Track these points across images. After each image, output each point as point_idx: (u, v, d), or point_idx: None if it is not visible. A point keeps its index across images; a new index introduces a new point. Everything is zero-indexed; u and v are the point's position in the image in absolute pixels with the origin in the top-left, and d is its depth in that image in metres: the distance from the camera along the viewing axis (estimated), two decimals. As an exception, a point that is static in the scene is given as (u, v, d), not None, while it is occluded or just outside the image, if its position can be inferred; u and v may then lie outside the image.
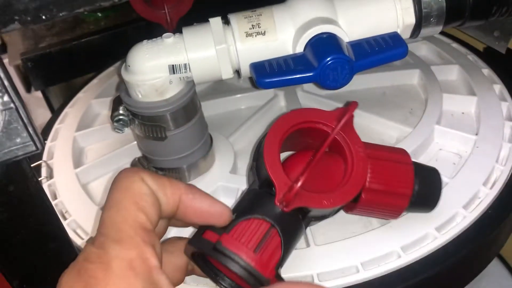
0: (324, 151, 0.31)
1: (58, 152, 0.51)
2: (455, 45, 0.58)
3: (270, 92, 0.53)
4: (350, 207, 0.36)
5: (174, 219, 0.30)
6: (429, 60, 0.57)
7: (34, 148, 0.26)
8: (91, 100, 0.57)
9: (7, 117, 0.25)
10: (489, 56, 0.56)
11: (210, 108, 0.52)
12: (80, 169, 0.48)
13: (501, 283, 0.86)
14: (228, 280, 0.31)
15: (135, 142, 0.47)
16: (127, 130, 0.40)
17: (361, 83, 0.53)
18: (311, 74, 0.34)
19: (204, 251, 0.28)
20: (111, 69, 0.64)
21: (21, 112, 0.25)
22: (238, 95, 0.54)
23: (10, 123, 0.26)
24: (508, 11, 0.39)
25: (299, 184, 0.29)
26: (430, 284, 0.36)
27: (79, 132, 0.53)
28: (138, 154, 0.44)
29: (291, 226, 0.31)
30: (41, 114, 0.90)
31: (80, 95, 0.60)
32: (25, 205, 0.29)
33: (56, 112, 0.59)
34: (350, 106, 0.31)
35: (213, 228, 0.29)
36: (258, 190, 0.32)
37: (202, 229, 0.30)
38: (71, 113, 0.57)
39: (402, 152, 0.35)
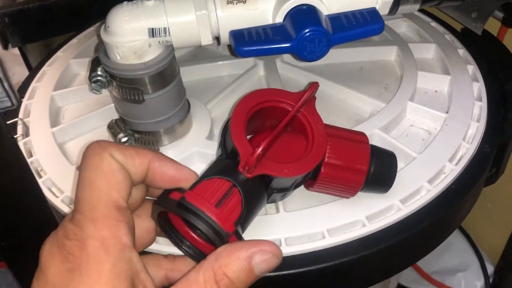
0: (285, 124, 0.32)
1: (34, 111, 0.51)
2: (434, 24, 0.59)
3: (250, 61, 0.53)
4: (310, 183, 0.37)
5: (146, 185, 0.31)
6: (408, 38, 0.58)
7: (9, 104, 0.27)
8: (70, 60, 0.57)
9: (-17, 71, 0.25)
10: (465, 37, 0.57)
11: (189, 74, 0.52)
12: (57, 128, 0.48)
13: (462, 257, 0.90)
14: (187, 243, 0.32)
15: (113, 104, 0.47)
16: (105, 92, 0.40)
17: (339, 57, 0.54)
18: (288, 45, 0.34)
19: (169, 208, 0.30)
20: (91, 29, 0.63)
21: (-3, 67, 0.25)
22: (218, 63, 0.54)
23: (-14, 78, 0.26)
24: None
25: (260, 149, 0.30)
26: (392, 252, 0.38)
27: (57, 91, 0.52)
28: (115, 116, 0.45)
29: (253, 191, 0.32)
30: (18, 72, 0.88)
31: (59, 54, 0.60)
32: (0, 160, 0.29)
33: (33, 70, 0.58)
34: (310, 87, 0.33)
35: (179, 189, 0.31)
36: (224, 160, 0.34)
37: (168, 191, 0.31)
38: (49, 72, 0.56)
39: (361, 133, 0.37)
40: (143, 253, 0.32)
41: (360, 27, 0.35)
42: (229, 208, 0.30)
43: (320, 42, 0.34)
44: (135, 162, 0.29)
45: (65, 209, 0.41)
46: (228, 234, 0.29)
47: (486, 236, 0.91)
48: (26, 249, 0.34)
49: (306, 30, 0.34)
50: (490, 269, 0.88)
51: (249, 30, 0.36)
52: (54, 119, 0.50)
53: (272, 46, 0.35)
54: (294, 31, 0.34)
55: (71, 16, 0.66)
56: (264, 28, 0.36)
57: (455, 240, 0.92)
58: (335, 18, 0.36)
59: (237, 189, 0.31)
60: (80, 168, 0.28)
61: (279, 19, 0.36)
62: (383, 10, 0.39)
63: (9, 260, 0.35)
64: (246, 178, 0.31)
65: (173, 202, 0.30)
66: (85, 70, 0.57)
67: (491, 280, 0.87)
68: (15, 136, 0.47)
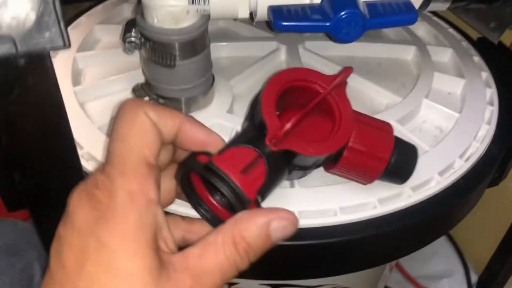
0: (315, 105, 0.33)
1: (57, 69, 0.51)
2: (451, 30, 0.61)
3: (273, 44, 0.55)
4: (331, 166, 0.38)
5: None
6: (426, 40, 0.60)
7: (61, 43, 0.27)
8: (94, 25, 0.58)
9: (41, 8, 0.26)
10: (481, 46, 0.59)
11: (215, 51, 0.53)
12: (79, 88, 0.48)
13: (448, 264, 0.92)
14: (206, 207, 0.33)
15: (133, 71, 0.48)
16: (125, 59, 0.41)
17: (360, 51, 0.55)
18: (326, 24, 0.36)
19: (196, 170, 0.31)
20: (115, -1, 0.64)
21: (56, 5, 0.26)
22: (243, 42, 0.55)
23: (43, 16, 0.27)
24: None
25: (289, 125, 0.31)
26: (398, 235, 0.40)
27: (80, 53, 0.53)
28: (137, 82, 0.45)
29: (276, 164, 0.33)
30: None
31: (82, 18, 0.60)
32: (40, 101, 0.30)
33: (56, 32, 0.59)
34: (344, 71, 0.34)
35: (207, 153, 0.31)
36: (251, 131, 0.35)
37: (195, 154, 0.32)
38: (73, 34, 0.57)
39: (386, 123, 0.38)
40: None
41: (394, 15, 0.37)
42: (253, 177, 0.31)
43: (356, 24, 0.36)
44: (167, 122, 0.30)
45: (85, 164, 0.42)
46: (250, 201, 0.30)
47: (473, 246, 0.93)
48: (51, 197, 0.34)
49: (344, 12, 0.35)
50: (474, 278, 0.90)
51: (288, 7, 0.37)
52: (76, 80, 0.51)
53: (310, 24, 0.36)
54: (332, 11, 0.36)
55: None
56: (303, 6, 0.37)
57: (442, 247, 0.94)
58: (372, 4, 0.37)
59: (263, 160, 0.32)
60: (114, 122, 0.29)
61: (317, 0, 0.37)
62: (416, 3, 0.40)
63: (36, 211, 0.36)
64: (271, 151, 0.32)
65: (200, 164, 0.31)
66: (107, 36, 0.57)
67: (474, 289, 0.89)
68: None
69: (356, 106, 0.49)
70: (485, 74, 0.54)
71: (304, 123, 0.35)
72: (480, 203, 0.85)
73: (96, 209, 0.26)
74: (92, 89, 0.49)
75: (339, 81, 0.34)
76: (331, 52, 0.55)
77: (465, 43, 0.59)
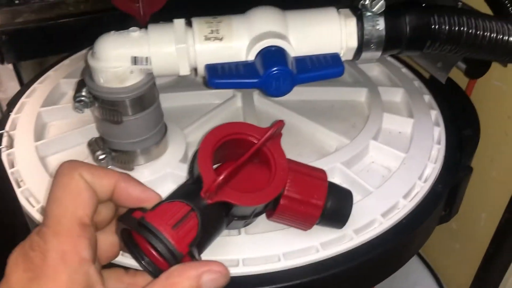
0: (248, 157, 0.35)
1: (21, 124, 0.54)
2: (404, 70, 0.63)
3: (229, 92, 0.57)
4: (270, 213, 0.40)
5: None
6: (379, 81, 0.62)
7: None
8: (60, 79, 0.60)
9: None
10: (432, 84, 0.61)
11: (171, 100, 0.56)
12: (40, 143, 0.50)
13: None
14: (147, 259, 0.34)
15: (91, 125, 0.50)
16: (87, 112, 0.43)
17: (313, 94, 0.58)
18: (256, 80, 0.38)
19: (129, 226, 0.32)
20: (83, 51, 0.67)
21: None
22: (199, 91, 0.57)
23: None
24: (440, 46, 0.44)
25: (221, 177, 0.33)
26: (342, 278, 0.41)
27: (44, 108, 0.55)
28: (96, 134, 0.47)
29: (212, 217, 0.34)
30: (12, 87, 0.91)
31: (50, 73, 0.63)
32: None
33: (24, 86, 0.61)
34: (275, 124, 0.36)
35: (142, 209, 0.33)
36: (189, 184, 0.36)
37: (132, 210, 0.33)
38: (39, 89, 0.59)
39: (321, 171, 0.40)
40: (108, 266, 0.34)
41: (322, 69, 0.39)
42: (185, 230, 0.32)
43: (284, 80, 0.38)
44: (102, 182, 0.32)
45: (40, 218, 0.43)
46: (182, 255, 0.32)
47: (454, 275, 0.93)
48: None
49: (272, 69, 0.37)
50: (455, 309, 0.90)
51: (222, 65, 0.39)
52: (39, 134, 0.53)
53: (241, 81, 0.38)
54: (262, 68, 0.38)
55: (66, 38, 0.70)
56: (237, 64, 0.39)
57: (423, 278, 0.94)
58: (300, 60, 0.40)
59: (195, 214, 0.33)
60: (51, 185, 0.31)
61: (251, 57, 0.40)
62: (348, 56, 0.42)
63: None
64: (207, 204, 0.34)
65: (134, 220, 0.32)
66: (73, 90, 0.60)
67: (456, 320, 0.89)
68: (-1, 147, 0.50)
69: (306, 149, 0.52)
70: (435, 113, 0.56)
71: (242, 174, 0.37)
72: (459, 235, 0.86)
73: (29, 270, 0.28)
74: (52, 143, 0.51)
75: (270, 134, 0.36)
76: (285, 97, 0.57)
77: (417, 82, 0.61)
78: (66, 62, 0.65)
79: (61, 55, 0.67)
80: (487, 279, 0.81)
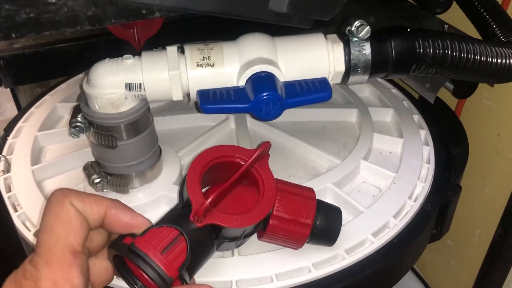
0: (236, 179, 0.36)
1: (18, 149, 0.55)
2: (394, 90, 0.65)
3: (222, 115, 0.58)
4: (261, 233, 0.41)
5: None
6: (370, 102, 0.63)
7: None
8: (57, 103, 0.61)
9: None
10: (421, 104, 0.62)
11: (165, 123, 0.57)
12: (37, 167, 0.51)
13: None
14: (139, 283, 0.35)
15: (87, 149, 0.51)
16: (83, 136, 0.44)
17: (305, 115, 0.59)
18: (246, 105, 0.39)
19: (120, 252, 0.33)
20: (80, 76, 0.68)
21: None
22: (193, 114, 0.58)
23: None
24: (426, 69, 0.45)
25: (208, 201, 0.33)
26: (334, 298, 0.42)
27: (41, 132, 0.56)
28: (92, 158, 0.48)
29: (201, 240, 0.35)
30: (9, 108, 0.92)
31: (47, 97, 0.64)
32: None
33: (22, 111, 0.62)
34: (262, 145, 0.37)
35: (132, 234, 0.34)
36: (179, 209, 0.37)
37: (122, 236, 0.34)
38: (36, 113, 0.61)
39: (309, 189, 0.41)
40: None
41: (310, 94, 0.40)
42: (174, 255, 0.33)
43: (274, 105, 0.39)
44: (93, 210, 0.32)
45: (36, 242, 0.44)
46: (172, 279, 0.32)
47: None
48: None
49: (262, 94, 0.39)
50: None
51: (214, 90, 0.40)
52: (36, 158, 0.54)
53: (232, 106, 0.39)
54: (252, 94, 0.39)
55: (63, 62, 0.72)
56: (228, 89, 0.40)
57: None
58: (289, 85, 0.41)
59: (184, 238, 0.34)
60: (43, 214, 0.32)
61: (242, 82, 0.41)
62: (336, 79, 0.44)
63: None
64: (196, 227, 0.34)
65: (125, 246, 0.33)
66: (69, 114, 0.61)
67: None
68: (-4, 172, 0.50)
69: (298, 169, 0.53)
70: (424, 132, 0.57)
71: (231, 196, 0.38)
72: (454, 252, 0.87)
73: None
74: (48, 167, 0.52)
75: (257, 155, 0.37)
76: (277, 119, 0.58)
77: (406, 103, 0.63)
78: (63, 86, 0.66)
79: (59, 79, 0.69)
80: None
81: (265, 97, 0.39)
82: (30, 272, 0.29)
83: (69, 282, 0.29)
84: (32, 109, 0.62)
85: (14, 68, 0.69)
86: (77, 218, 0.31)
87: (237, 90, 0.40)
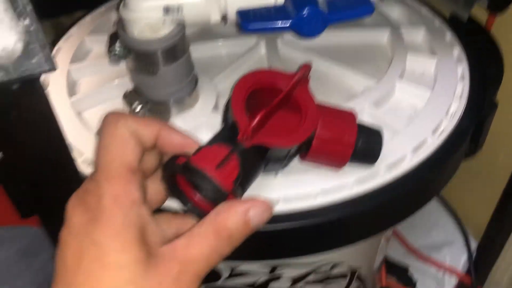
0: (278, 102, 0.36)
1: (52, 83, 0.55)
2: (424, 10, 0.63)
3: (252, 40, 0.57)
4: (304, 155, 0.41)
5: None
6: (400, 22, 0.62)
7: (48, 67, 0.31)
8: (84, 37, 0.61)
9: (27, 38, 0.30)
10: (453, 23, 0.61)
11: (197, 51, 0.56)
12: (75, 98, 0.52)
13: (448, 233, 0.96)
14: (192, 203, 0.36)
15: (125, 77, 0.51)
16: (115, 68, 0.44)
17: (336, 38, 0.58)
18: (289, 22, 0.39)
19: (175, 170, 0.34)
20: (102, 8, 0.67)
21: (39, 35, 0.30)
22: (223, 41, 0.58)
23: (29, 45, 0.30)
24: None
25: (255, 121, 0.34)
26: (377, 212, 0.43)
27: (73, 64, 0.57)
28: (128, 88, 0.49)
29: (251, 158, 0.36)
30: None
31: (72, 31, 0.63)
32: (35, 118, 0.34)
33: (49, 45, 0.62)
34: (302, 68, 0.37)
35: (184, 155, 0.35)
36: (225, 131, 0.38)
37: (175, 156, 0.35)
38: (64, 47, 0.60)
39: (350, 111, 0.41)
40: (156, 211, 0.36)
41: (352, 9, 0.39)
42: (228, 170, 0.34)
43: (317, 21, 0.39)
44: (145, 131, 0.33)
45: (86, 168, 0.45)
46: (227, 193, 0.33)
47: (472, 215, 0.96)
48: (54, 203, 0.38)
49: (304, 10, 0.38)
50: (474, 244, 0.93)
51: (254, 10, 0.40)
52: (71, 91, 0.55)
53: (274, 23, 0.39)
54: (294, 10, 0.39)
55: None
56: (268, 8, 0.40)
57: (442, 218, 0.97)
58: (330, 1, 0.40)
59: (235, 155, 0.35)
60: (99, 135, 0.33)
61: (281, 0, 0.40)
62: (375, -6, 0.43)
63: (44, 216, 0.40)
64: (244, 147, 0.35)
65: (179, 165, 0.34)
66: (98, 46, 0.61)
67: (474, 255, 0.93)
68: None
69: (334, 92, 0.53)
70: (457, 51, 0.56)
71: (274, 119, 0.38)
72: (477, 174, 0.88)
73: (87, 213, 0.30)
74: (87, 98, 0.52)
75: (298, 78, 0.37)
76: (308, 42, 0.57)
77: (437, 22, 0.61)
78: (87, 19, 0.65)
79: (74, 15, 0.67)
80: (503, 219, 0.84)
81: (306, 12, 0.38)
82: (92, 189, 0.30)
83: (129, 196, 0.30)
84: (60, 43, 0.62)
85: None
86: (131, 138, 0.32)
87: (277, 8, 0.40)
